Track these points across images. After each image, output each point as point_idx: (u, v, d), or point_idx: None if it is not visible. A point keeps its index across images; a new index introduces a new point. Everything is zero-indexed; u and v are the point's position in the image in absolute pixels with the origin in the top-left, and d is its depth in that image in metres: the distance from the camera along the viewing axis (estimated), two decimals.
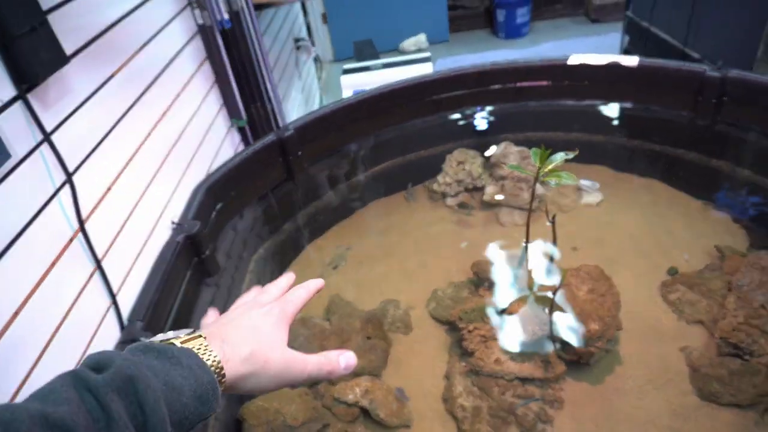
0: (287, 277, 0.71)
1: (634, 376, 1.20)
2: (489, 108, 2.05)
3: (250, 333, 0.56)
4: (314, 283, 0.69)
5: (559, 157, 1.19)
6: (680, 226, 1.55)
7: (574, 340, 1.21)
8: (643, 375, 1.19)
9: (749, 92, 1.46)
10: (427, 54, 3.27)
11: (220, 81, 1.82)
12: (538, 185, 1.28)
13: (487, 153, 1.91)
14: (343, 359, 0.65)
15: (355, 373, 1.28)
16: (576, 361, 1.23)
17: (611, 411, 1.15)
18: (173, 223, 1.30)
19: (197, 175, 1.49)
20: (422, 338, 1.39)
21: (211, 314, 0.69)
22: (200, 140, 1.56)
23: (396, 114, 1.96)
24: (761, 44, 2.26)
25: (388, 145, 1.95)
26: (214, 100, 1.74)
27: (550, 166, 1.18)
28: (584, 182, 1.78)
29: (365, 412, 1.25)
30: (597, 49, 3.52)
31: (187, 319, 1.23)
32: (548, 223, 1.30)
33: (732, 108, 1.52)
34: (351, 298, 1.48)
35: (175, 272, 1.21)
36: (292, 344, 1.27)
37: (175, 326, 1.16)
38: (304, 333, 1.30)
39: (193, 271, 1.31)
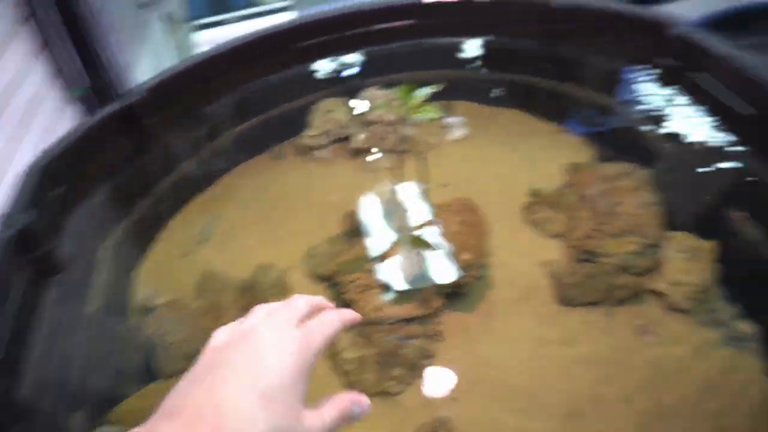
0: (320, 298, 0.53)
1: (503, 297, 1.26)
2: (353, 53, 1.99)
3: (258, 408, 0.36)
4: (350, 315, 0.52)
5: (424, 91, 1.17)
6: (539, 151, 1.63)
7: (450, 273, 1.23)
8: (511, 294, 1.26)
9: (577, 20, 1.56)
10: (287, 2, 3.10)
11: (52, 45, 1.58)
12: (406, 126, 1.26)
13: (353, 101, 1.85)
14: (357, 407, 0.48)
15: None
16: (454, 292, 1.26)
17: (487, 333, 1.20)
18: (1, 215, 1.11)
19: (29, 157, 1.28)
20: None
21: (221, 335, 0.47)
22: (31, 115, 1.33)
23: (256, 67, 1.83)
24: None
25: (250, 102, 1.82)
26: (44, 66, 1.49)
27: (416, 101, 1.16)
28: (449, 119, 1.79)
29: None
30: None
31: (29, 332, 1.07)
32: (423, 159, 1.30)
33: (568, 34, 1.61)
34: (224, 270, 1.39)
35: (6, 277, 1.05)
36: (157, 331, 1.16)
37: (14, 343, 1.00)
38: (172, 317, 1.20)
39: (33, 272, 1.14)
